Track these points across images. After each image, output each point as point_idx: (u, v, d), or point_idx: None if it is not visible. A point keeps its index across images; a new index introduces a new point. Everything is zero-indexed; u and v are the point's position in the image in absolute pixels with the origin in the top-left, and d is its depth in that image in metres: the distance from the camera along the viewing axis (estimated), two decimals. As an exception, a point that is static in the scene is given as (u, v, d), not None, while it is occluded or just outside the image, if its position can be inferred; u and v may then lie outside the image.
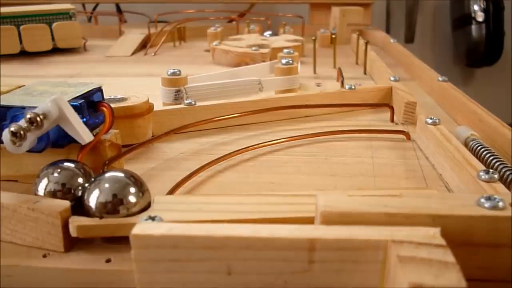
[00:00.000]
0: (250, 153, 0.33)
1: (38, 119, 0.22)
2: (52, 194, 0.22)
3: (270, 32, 0.70)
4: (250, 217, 0.21)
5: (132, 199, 0.21)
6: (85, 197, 0.21)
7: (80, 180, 0.23)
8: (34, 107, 0.24)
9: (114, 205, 0.21)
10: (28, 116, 0.22)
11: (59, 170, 0.23)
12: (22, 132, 0.22)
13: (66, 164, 0.23)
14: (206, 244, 0.17)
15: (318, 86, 0.51)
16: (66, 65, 0.64)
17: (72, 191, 0.22)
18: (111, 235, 0.21)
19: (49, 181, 0.22)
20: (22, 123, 0.22)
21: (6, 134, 0.22)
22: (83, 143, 0.23)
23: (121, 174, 0.22)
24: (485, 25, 1.12)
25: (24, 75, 0.59)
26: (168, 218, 0.20)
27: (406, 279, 0.14)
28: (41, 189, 0.22)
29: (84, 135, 0.23)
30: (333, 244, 0.17)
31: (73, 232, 0.21)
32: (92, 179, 0.22)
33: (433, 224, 0.18)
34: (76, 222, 0.21)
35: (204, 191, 0.28)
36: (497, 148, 0.31)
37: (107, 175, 0.22)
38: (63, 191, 0.22)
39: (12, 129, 0.22)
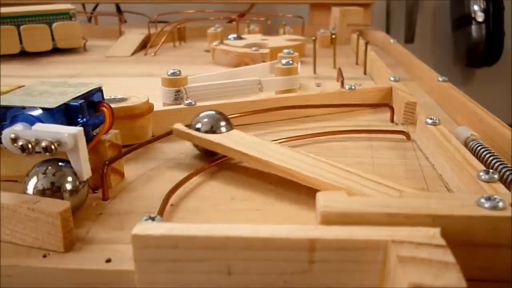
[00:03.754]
0: (250, 153, 0.33)
1: (52, 147, 0.22)
2: (41, 192, 0.22)
3: (234, 35, 0.69)
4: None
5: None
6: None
7: (70, 178, 0.23)
8: (35, 107, 0.24)
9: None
10: (44, 144, 0.22)
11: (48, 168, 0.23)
12: (30, 147, 0.22)
13: (56, 162, 0.23)
14: (206, 244, 0.17)
15: (318, 86, 0.51)
16: (66, 65, 0.64)
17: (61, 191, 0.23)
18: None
19: (38, 180, 0.23)
20: (29, 135, 0.22)
21: (6, 134, 0.23)
22: (80, 178, 0.23)
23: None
24: (485, 25, 1.12)
25: (24, 75, 0.59)
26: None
27: (406, 279, 0.14)
28: (30, 188, 0.23)
29: (84, 172, 0.24)
30: (333, 244, 0.17)
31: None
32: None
33: (433, 224, 0.18)
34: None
35: (204, 191, 0.28)
36: (497, 148, 0.31)
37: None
38: (52, 189, 0.22)
39: (21, 143, 0.22)
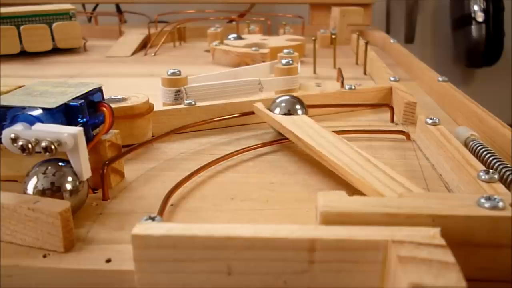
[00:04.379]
0: (250, 153, 0.33)
1: (52, 147, 0.22)
2: (42, 193, 0.22)
3: (234, 35, 0.69)
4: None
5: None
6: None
7: (70, 178, 0.23)
8: (35, 107, 0.24)
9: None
10: (44, 144, 0.22)
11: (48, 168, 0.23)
12: (30, 147, 0.22)
13: (56, 162, 0.23)
14: (206, 244, 0.17)
15: (318, 86, 0.51)
16: (66, 65, 0.64)
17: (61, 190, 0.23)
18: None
19: (38, 180, 0.23)
20: (29, 135, 0.22)
21: (6, 134, 0.23)
22: (80, 178, 0.24)
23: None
24: (485, 25, 1.12)
25: (24, 75, 0.59)
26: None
27: (406, 279, 0.14)
28: (30, 188, 0.23)
29: (84, 171, 0.24)
30: (333, 245, 0.17)
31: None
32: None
33: (433, 224, 0.18)
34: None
35: (204, 191, 0.28)
36: (497, 149, 0.31)
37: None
38: (52, 189, 0.22)
39: (21, 143, 0.22)
